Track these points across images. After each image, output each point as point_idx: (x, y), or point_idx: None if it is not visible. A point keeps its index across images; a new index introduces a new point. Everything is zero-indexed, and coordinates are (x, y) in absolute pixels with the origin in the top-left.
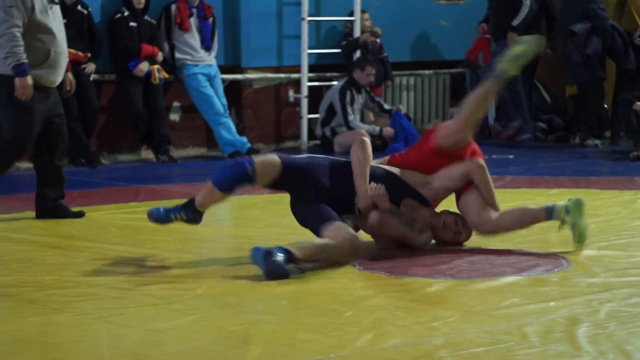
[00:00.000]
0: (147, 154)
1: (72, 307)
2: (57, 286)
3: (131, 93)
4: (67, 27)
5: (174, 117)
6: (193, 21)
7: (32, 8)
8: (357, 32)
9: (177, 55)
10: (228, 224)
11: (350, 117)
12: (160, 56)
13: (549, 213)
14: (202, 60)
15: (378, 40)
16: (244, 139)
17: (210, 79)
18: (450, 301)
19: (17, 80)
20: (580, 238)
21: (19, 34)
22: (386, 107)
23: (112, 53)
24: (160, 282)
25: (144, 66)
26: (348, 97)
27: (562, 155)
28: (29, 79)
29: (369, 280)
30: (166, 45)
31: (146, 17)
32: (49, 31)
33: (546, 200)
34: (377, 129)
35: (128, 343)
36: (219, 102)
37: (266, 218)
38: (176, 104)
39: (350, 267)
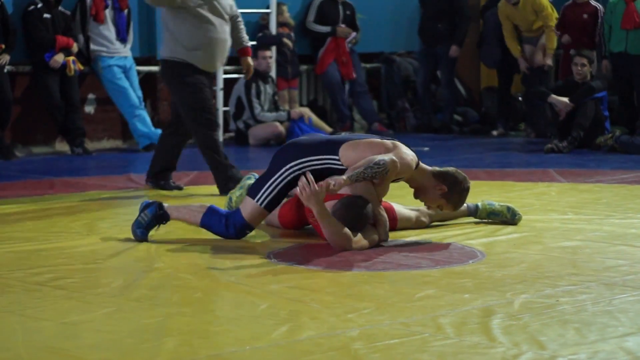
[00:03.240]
0: (62, 146)
1: None
2: None
3: (48, 85)
4: None
5: (89, 109)
6: (108, 13)
7: None
8: (273, 25)
9: (92, 47)
10: None
11: (257, 111)
12: (75, 47)
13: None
14: (118, 52)
15: (292, 33)
16: (159, 131)
17: (126, 71)
18: (365, 293)
19: None
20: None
21: None
22: (281, 108)
23: (27, 45)
24: (75, 275)
25: (59, 57)
26: (254, 90)
27: (477, 147)
28: None
29: (284, 272)
30: (81, 37)
31: (60, 8)
32: None
33: None
34: (284, 114)
35: (42, 336)
36: (134, 94)
37: None
38: (91, 96)
39: (265, 259)
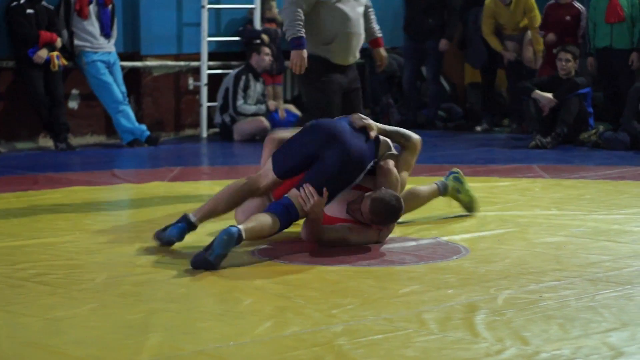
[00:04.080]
0: (46, 141)
1: None
2: None
3: (32, 80)
4: None
5: (73, 104)
6: (92, 8)
7: None
8: (257, 20)
9: (76, 42)
10: (127, 213)
11: (239, 102)
12: (59, 42)
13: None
14: (102, 48)
15: (279, 30)
16: (143, 126)
17: (110, 66)
18: (349, 288)
19: None
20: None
21: None
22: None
23: (11, 40)
24: (59, 270)
25: (43, 53)
26: (242, 83)
27: (461, 143)
28: None
29: (268, 268)
30: (65, 32)
31: (44, 3)
32: None
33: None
34: (263, 107)
35: (27, 332)
36: (118, 89)
37: (165, 206)
38: (75, 91)
39: (250, 255)
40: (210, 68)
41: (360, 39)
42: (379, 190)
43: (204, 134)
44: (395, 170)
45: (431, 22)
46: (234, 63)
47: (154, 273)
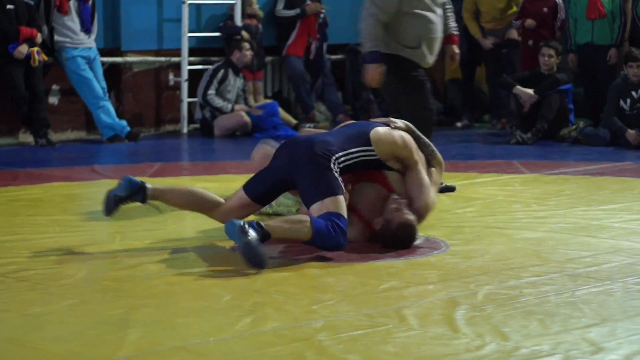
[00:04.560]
0: (26, 137)
1: None
2: None
3: (12, 76)
4: None
5: (53, 100)
6: (72, 4)
7: None
8: (237, 16)
9: (57, 38)
10: None
11: (210, 92)
12: (39, 38)
13: None
14: (82, 43)
15: (260, 25)
16: (124, 122)
17: (90, 62)
18: (329, 284)
19: None
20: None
21: None
22: (249, 103)
23: None
24: (38, 266)
25: (23, 48)
26: (220, 75)
27: (441, 138)
28: None
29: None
30: (45, 28)
31: None
32: None
33: None
34: (229, 106)
35: (5, 328)
36: (99, 85)
37: None
38: (55, 87)
39: (229, 251)
40: (190, 64)
41: (440, 41)
42: (392, 219)
43: (185, 130)
44: (427, 180)
45: None
46: (214, 59)
47: (134, 269)
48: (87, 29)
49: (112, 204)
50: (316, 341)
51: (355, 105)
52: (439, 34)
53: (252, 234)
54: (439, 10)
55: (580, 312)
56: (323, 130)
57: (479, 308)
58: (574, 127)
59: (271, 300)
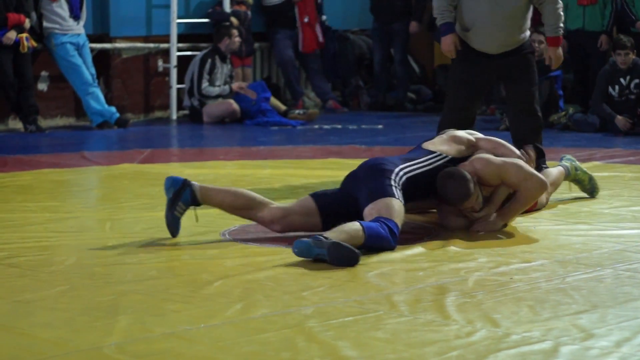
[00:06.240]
0: (15, 123)
1: None
2: None
3: (2, 62)
4: None
5: (42, 86)
6: None
7: None
8: (226, 2)
9: (45, 24)
10: (97, 195)
11: (204, 85)
12: (27, 24)
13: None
14: (71, 30)
15: (249, 12)
16: (113, 108)
17: (79, 48)
18: (319, 271)
19: None
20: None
21: None
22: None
23: None
24: (28, 253)
25: (12, 34)
26: (208, 65)
27: (430, 125)
28: None
29: (238, 250)
30: (34, 14)
31: None
32: None
33: None
34: (227, 88)
35: None
36: (88, 71)
37: (135, 188)
38: (44, 73)
39: (220, 237)
40: (179, 50)
41: (508, 32)
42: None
43: (174, 116)
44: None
45: (399, 3)
46: (203, 45)
47: (124, 255)
48: (76, 15)
49: (169, 214)
50: (306, 328)
51: (344, 91)
52: (495, 21)
53: (325, 239)
54: (509, 2)
55: (571, 298)
56: None
57: (470, 294)
58: (563, 113)
59: (261, 287)
